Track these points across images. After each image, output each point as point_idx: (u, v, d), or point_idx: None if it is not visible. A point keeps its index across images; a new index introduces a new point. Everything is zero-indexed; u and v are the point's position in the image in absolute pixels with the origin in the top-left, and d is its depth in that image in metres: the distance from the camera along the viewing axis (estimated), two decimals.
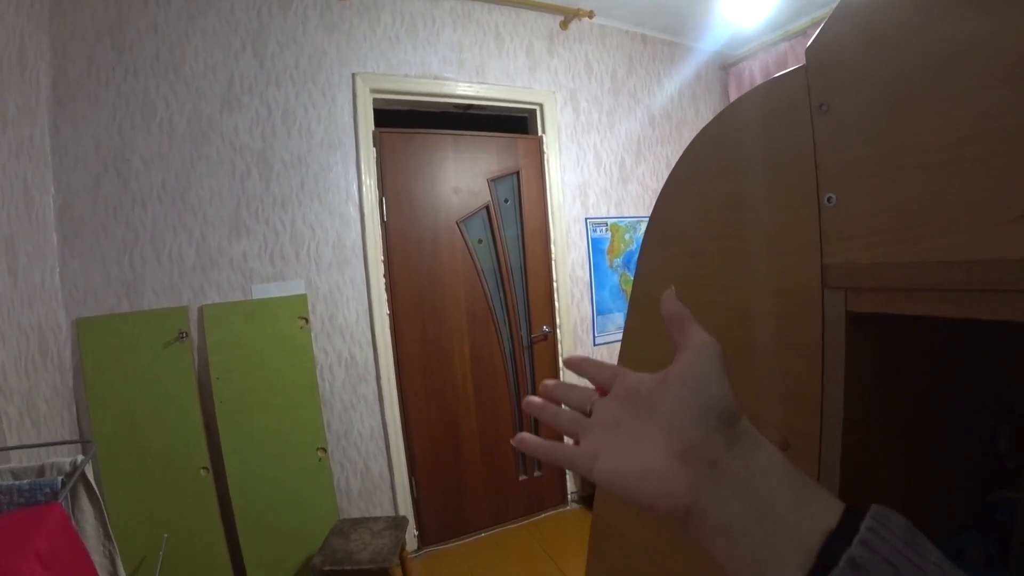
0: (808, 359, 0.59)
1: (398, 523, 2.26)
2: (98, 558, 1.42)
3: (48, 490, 1.29)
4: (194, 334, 2.30)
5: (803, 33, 3.20)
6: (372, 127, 2.66)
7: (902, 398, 0.65)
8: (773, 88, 0.65)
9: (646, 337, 0.86)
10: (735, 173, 0.71)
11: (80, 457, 1.38)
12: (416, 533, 2.77)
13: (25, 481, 1.30)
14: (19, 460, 1.52)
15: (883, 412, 0.62)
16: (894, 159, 0.50)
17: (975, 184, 0.43)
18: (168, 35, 2.31)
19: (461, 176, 2.86)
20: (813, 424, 0.59)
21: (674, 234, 0.84)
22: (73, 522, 1.33)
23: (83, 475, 1.38)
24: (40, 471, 1.36)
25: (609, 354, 3.34)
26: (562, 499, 3.18)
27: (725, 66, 3.79)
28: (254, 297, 2.41)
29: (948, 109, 0.45)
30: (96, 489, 1.41)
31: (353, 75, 2.62)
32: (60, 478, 1.31)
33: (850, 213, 0.54)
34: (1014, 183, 0.41)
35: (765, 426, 0.65)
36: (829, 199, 0.56)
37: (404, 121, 2.89)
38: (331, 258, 2.56)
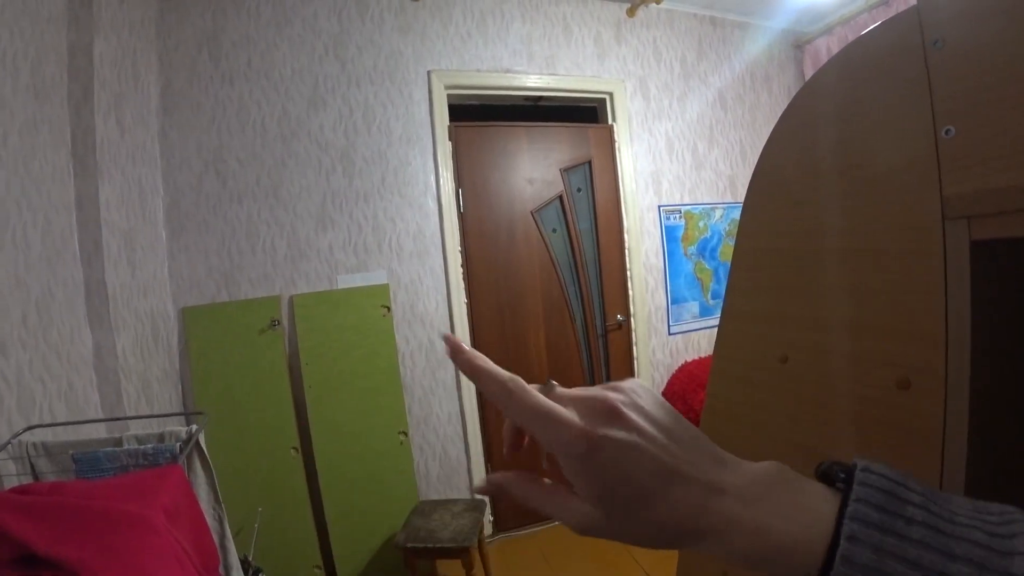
0: (928, 294, 0.57)
1: (476, 506, 2.29)
2: (208, 519, 1.53)
3: (169, 454, 1.40)
4: (285, 322, 2.44)
5: (885, 2, 3.01)
6: (447, 122, 2.74)
7: None
8: (882, 31, 0.64)
9: (752, 291, 0.84)
10: (843, 119, 0.70)
11: (194, 427, 1.49)
12: (491, 518, 2.81)
13: (149, 445, 1.42)
14: (138, 431, 1.67)
15: (1016, 348, 0.58)
16: (1013, 84, 0.49)
17: None
18: (258, 44, 2.48)
19: (534, 166, 2.89)
20: (937, 361, 0.57)
21: (778, 186, 0.82)
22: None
23: (197, 442, 1.49)
24: (161, 437, 1.49)
25: (684, 343, 3.27)
26: None
27: (799, 44, 3.62)
28: (340, 287, 2.53)
29: None
30: (208, 456, 1.53)
31: (428, 72, 2.71)
32: (178, 444, 1.43)
33: (970, 142, 0.54)
34: None
35: (884, 366, 0.62)
36: (947, 131, 0.56)
37: (477, 115, 2.96)
38: (411, 249, 2.66)
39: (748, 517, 0.28)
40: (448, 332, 0.43)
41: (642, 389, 0.32)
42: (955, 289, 0.54)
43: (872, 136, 0.64)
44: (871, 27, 0.66)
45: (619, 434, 0.29)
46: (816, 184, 0.73)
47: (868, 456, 0.27)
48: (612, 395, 0.32)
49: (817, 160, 0.73)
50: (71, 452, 1.35)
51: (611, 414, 0.30)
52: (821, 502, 0.27)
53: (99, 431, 1.68)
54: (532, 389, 0.33)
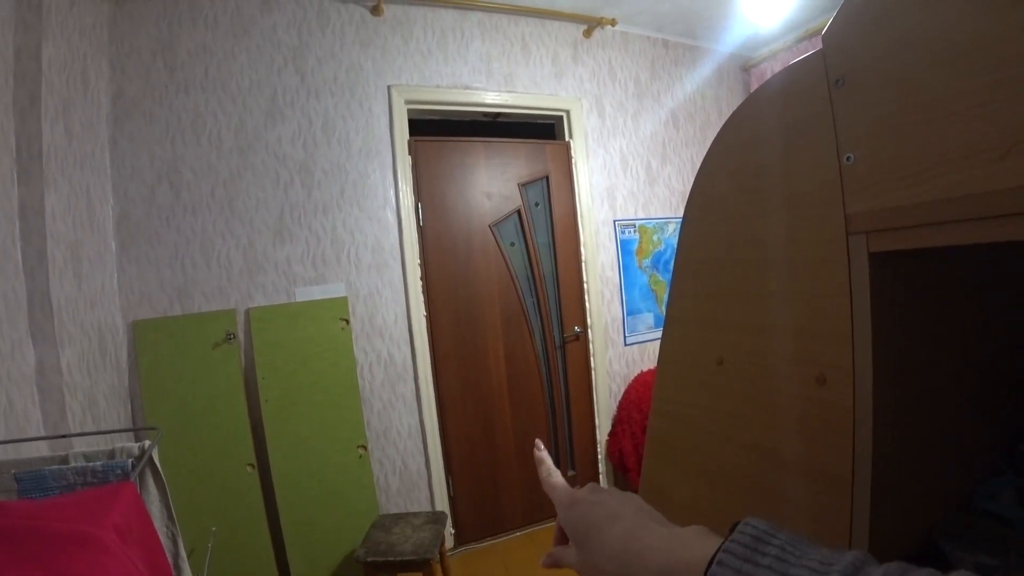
0: (838, 299, 0.66)
1: (437, 518, 2.30)
2: (162, 537, 1.49)
3: (120, 471, 1.37)
4: (241, 335, 2.40)
5: (821, 32, 3.23)
6: (407, 136, 2.77)
7: (936, 336, 0.69)
8: (795, 69, 0.73)
9: (690, 299, 0.91)
10: (764, 144, 0.79)
11: (147, 442, 1.46)
12: (452, 531, 2.81)
13: (99, 463, 1.38)
14: (85, 449, 1.61)
15: (916, 347, 0.67)
16: (901, 118, 0.57)
17: (968, 131, 0.51)
18: (216, 54, 2.45)
19: (493, 181, 2.94)
20: (846, 358, 0.65)
21: (713, 202, 0.90)
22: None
23: (150, 459, 1.46)
24: (111, 454, 1.44)
25: (640, 354, 3.36)
26: None
27: (747, 67, 3.83)
28: (297, 300, 2.51)
29: (942, 72, 0.53)
30: (162, 473, 1.49)
31: (388, 87, 2.74)
32: (130, 460, 1.39)
33: (867, 168, 0.62)
34: (998, 128, 0.49)
35: (804, 364, 0.70)
36: (848, 158, 0.64)
37: (437, 130, 3.00)
38: (370, 261, 2.66)
39: (662, 545, 0.39)
40: (539, 442, 0.54)
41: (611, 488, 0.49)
42: (858, 295, 0.62)
43: (789, 160, 0.73)
44: (784, 67, 0.75)
45: (587, 497, 0.46)
46: (744, 200, 0.81)
47: (760, 513, 0.39)
48: (592, 485, 0.49)
49: (745, 180, 0.81)
50: (13, 471, 1.30)
51: (587, 489, 0.47)
52: (715, 542, 0.37)
53: (41, 450, 1.62)
54: (556, 476, 0.52)
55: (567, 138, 3.20)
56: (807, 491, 0.68)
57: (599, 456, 3.20)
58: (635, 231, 3.36)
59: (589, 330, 3.18)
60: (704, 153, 0.90)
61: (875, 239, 0.60)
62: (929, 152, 0.54)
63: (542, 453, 0.55)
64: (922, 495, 0.68)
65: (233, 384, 2.31)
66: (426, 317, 2.77)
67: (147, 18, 2.34)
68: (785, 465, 0.71)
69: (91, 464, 1.36)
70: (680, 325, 0.92)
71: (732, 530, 0.37)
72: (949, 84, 0.52)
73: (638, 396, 3.10)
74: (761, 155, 0.79)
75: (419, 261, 2.77)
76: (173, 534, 1.54)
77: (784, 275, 0.73)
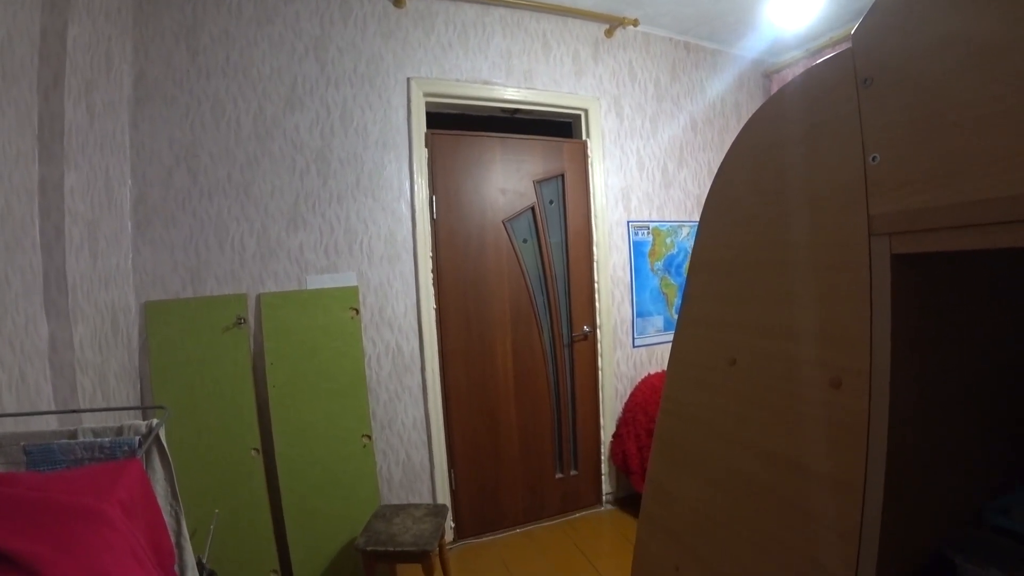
0: (857, 301, 0.64)
1: (438, 510, 2.30)
2: (165, 516, 1.50)
3: (127, 448, 1.38)
4: (251, 320, 2.41)
5: (848, 39, 3.18)
6: (424, 129, 2.77)
7: (955, 343, 0.68)
8: (823, 68, 0.72)
9: (705, 299, 0.90)
10: (786, 145, 0.78)
11: (155, 421, 1.47)
12: (452, 525, 2.81)
13: (106, 439, 1.39)
14: (93, 425, 1.63)
15: (934, 352, 0.65)
16: (930, 120, 0.56)
17: (996, 134, 0.50)
18: (238, 40, 2.46)
19: (508, 177, 2.94)
20: (863, 362, 0.63)
21: (730, 204, 0.89)
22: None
23: (157, 437, 1.47)
24: (119, 431, 1.45)
25: (648, 356, 3.35)
26: (597, 499, 3.18)
27: (768, 73, 3.79)
28: (308, 287, 2.52)
29: (973, 76, 0.52)
30: (168, 452, 1.50)
31: (408, 79, 2.74)
32: (138, 438, 1.40)
33: (893, 169, 0.61)
34: None
35: (819, 366, 0.68)
36: (874, 159, 0.63)
37: (454, 123, 3.00)
38: (382, 252, 2.66)
39: None
40: None
41: None
42: (878, 298, 0.61)
43: (812, 161, 0.71)
44: (813, 65, 0.74)
45: None
46: (763, 202, 0.79)
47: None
48: None
49: (765, 181, 0.79)
50: (22, 443, 1.31)
51: None
52: None
53: (51, 424, 1.64)
54: None
55: (584, 137, 3.19)
56: (817, 495, 0.66)
57: (602, 457, 3.19)
58: (648, 233, 3.34)
59: (598, 330, 3.17)
60: (722, 158, 0.89)
61: (899, 241, 0.59)
62: (957, 154, 0.53)
63: None
64: (933, 506, 0.67)
65: (241, 368, 2.32)
66: (436, 310, 2.78)
67: (172, 2, 2.36)
68: (794, 469, 0.70)
69: (99, 440, 1.37)
70: (693, 325, 0.91)
71: None
72: (980, 88, 0.51)
73: (644, 399, 3.08)
74: (783, 156, 0.77)
75: (431, 254, 2.77)
76: (176, 513, 1.55)
77: (802, 277, 0.71)
